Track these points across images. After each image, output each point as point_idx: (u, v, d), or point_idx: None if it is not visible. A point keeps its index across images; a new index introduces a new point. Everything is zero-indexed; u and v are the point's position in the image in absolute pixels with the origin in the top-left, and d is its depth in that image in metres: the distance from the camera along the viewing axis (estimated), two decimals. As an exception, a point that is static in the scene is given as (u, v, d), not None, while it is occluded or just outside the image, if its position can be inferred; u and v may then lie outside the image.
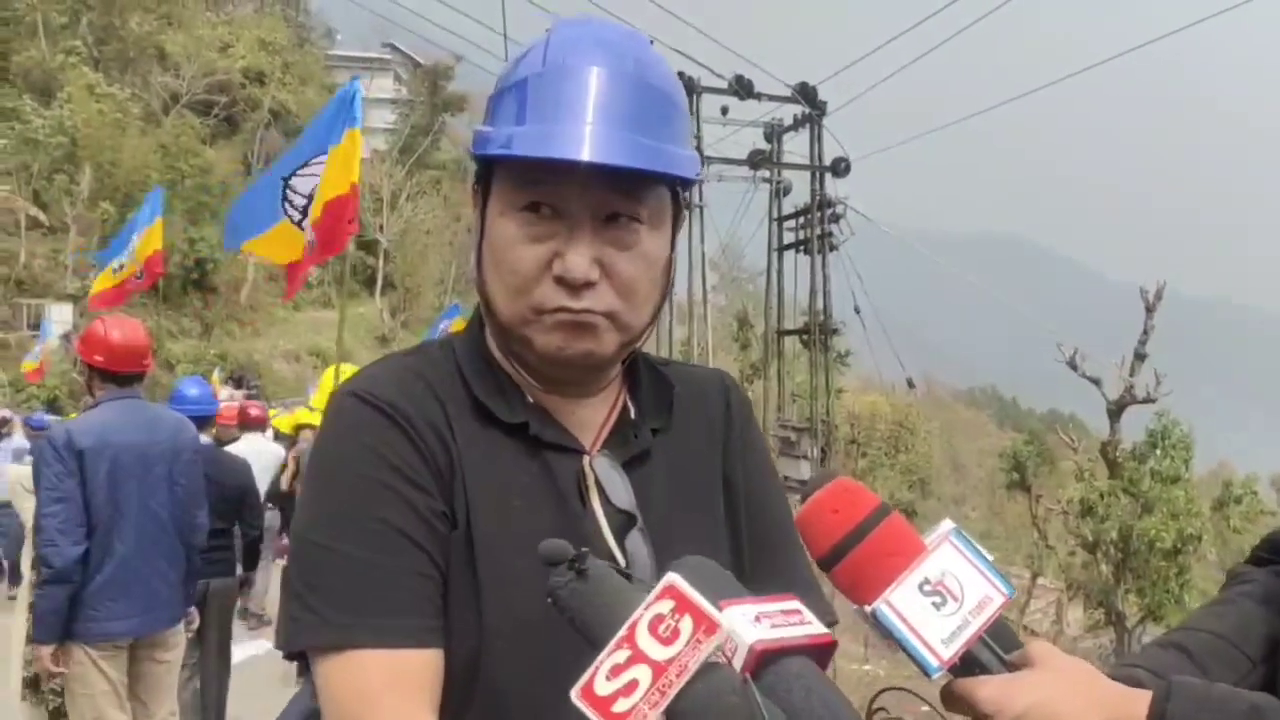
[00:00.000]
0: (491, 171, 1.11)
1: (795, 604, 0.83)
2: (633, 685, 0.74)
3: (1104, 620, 12.82)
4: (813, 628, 0.81)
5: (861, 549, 0.90)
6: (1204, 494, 14.00)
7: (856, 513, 0.91)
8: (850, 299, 16.62)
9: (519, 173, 1.06)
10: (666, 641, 0.75)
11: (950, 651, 0.87)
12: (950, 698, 0.93)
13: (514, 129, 1.05)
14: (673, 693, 0.74)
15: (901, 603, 0.88)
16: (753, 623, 0.78)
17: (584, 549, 0.87)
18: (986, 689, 0.90)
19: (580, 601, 0.83)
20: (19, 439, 11.94)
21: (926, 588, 0.89)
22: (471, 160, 1.14)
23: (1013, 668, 0.93)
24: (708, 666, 0.75)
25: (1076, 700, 0.90)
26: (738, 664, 0.77)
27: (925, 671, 0.87)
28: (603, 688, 0.75)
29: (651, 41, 1.15)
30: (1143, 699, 0.92)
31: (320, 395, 8.75)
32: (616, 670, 0.75)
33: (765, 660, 0.78)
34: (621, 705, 0.74)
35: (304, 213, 5.56)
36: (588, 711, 0.75)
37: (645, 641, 0.75)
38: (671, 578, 0.77)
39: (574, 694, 0.76)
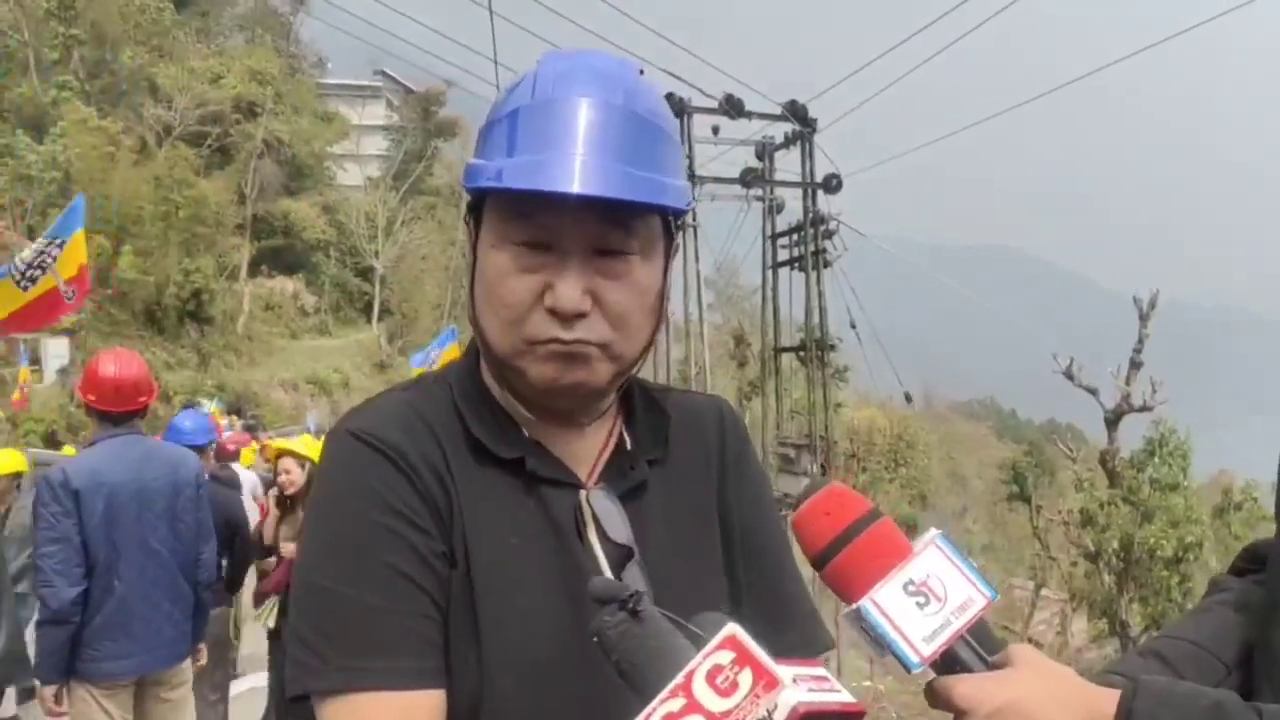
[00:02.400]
0: (483, 203, 1.11)
1: (824, 671, 0.84)
2: None
3: (1108, 630, 12.80)
4: (844, 695, 0.82)
5: (850, 550, 0.93)
6: (1205, 501, 14.00)
7: (847, 515, 0.95)
8: (846, 314, 16.65)
9: (510, 205, 1.06)
10: (724, 693, 0.74)
11: (931, 649, 0.90)
12: (931, 694, 0.95)
13: (504, 161, 1.05)
14: None
15: (886, 601, 0.90)
16: (792, 683, 0.78)
17: (638, 589, 0.86)
18: (963, 686, 0.92)
19: (630, 643, 0.83)
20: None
21: (911, 588, 0.91)
22: (464, 190, 1.14)
23: (993, 668, 0.95)
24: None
25: (1049, 699, 0.92)
26: None
27: (906, 667, 0.90)
28: None
29: (642, 71, 1.15)
30: (1111, 697, 0.94)
31: None
32: (670, 718, 0.74)
33: None
34: None
35: (27, 278, 6.45)
36: None
37: (702, 691, 0.74)
38: (733, 628, 0.77)
39: None
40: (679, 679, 0.75)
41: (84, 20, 40.31)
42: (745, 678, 0.75)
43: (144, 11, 43.80)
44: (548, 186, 1.00)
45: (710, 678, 0.75)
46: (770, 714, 0.76)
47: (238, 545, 5.78)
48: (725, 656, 0.76)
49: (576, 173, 1.01)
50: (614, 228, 1.06)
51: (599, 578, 0.88)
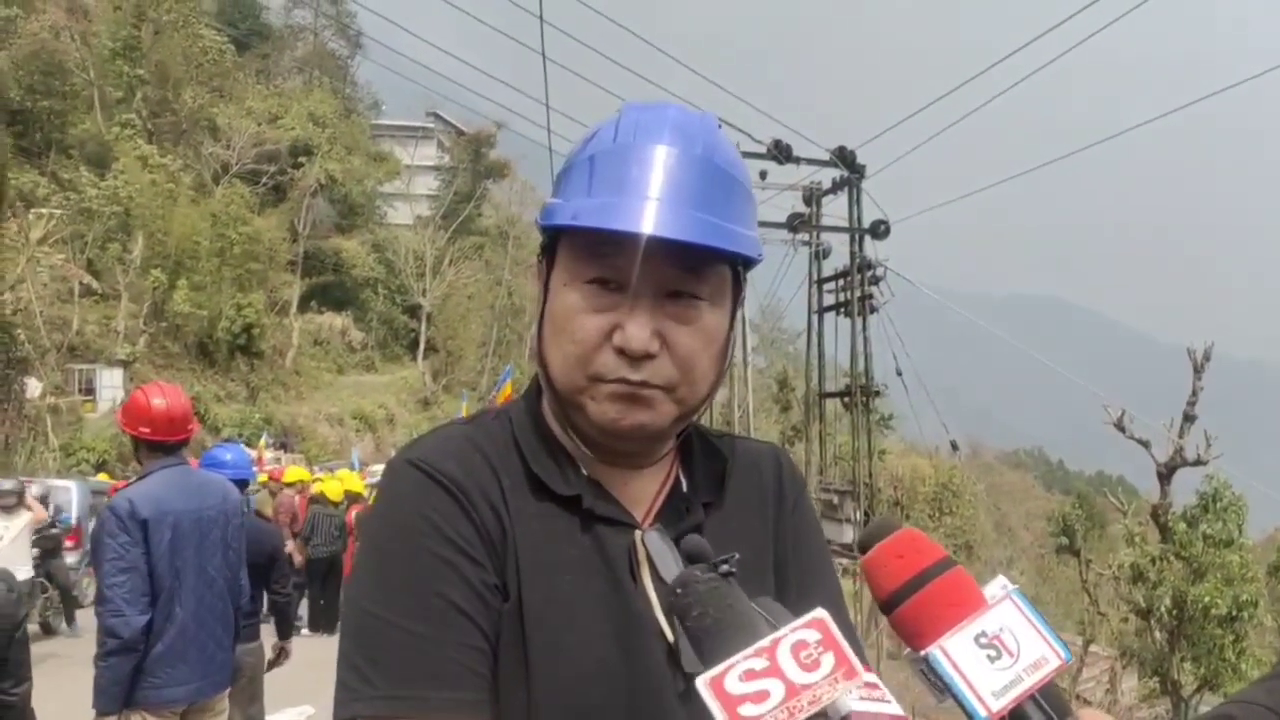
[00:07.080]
0: (557, 242, 1.13)
1: (875, 678, 0.85)
2: (763, 695, 0.75)
3: (1159, 689, 12.48)
4: (893, 706, 0.82)
5: (922, 595, 0.91)
6: (1261, 559, 13.65)
7: (921, 560, 0.93)
8: (891, 361, 16.53)
9: (584, 245, 1.08)
10: (807, 668, 0.76)
11: (1000, 704, 0.87)
12: None
13: (581, 202, 1.07)
14: (800, 718, 0.75)
15: (956, 650, 0.88)
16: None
17: (734, 554, 0.89)
18: None
19: (716, 599, 0.86)
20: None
21: (983, 640, 0.89)
22: (538, 230, 1.15)
23: None
24: (815, 716, 0.75)
25: None
26: None
27: None
28: (733, 686, 0.76)
29: (720, 124, 1.17)
30: None
31: None
32: (750, 675, 0.76)
33: None
34: (750, 710, 0.75)
35: None
36: (712, 702, 0.76)
37: (785, 660, 0.77)
38: (821, 612, 0.80)
39: (702, 681, 0.76)
40: (764, 641, 0.78)
41: (148, 61, 41.38)
42: (828, 660, 0.77)
43: (206, 53, 44.94)
44: (622, 226, 1.02)
45: (795, 650, 0.77)
46: (825, 712, 0.77)
47: (275, 580, 5.82)
48: (811, 635, 0.78)
49: (652, 216, 1.02)
50: (686, 272, 1.08)
51: (693, 536, 0.90)
